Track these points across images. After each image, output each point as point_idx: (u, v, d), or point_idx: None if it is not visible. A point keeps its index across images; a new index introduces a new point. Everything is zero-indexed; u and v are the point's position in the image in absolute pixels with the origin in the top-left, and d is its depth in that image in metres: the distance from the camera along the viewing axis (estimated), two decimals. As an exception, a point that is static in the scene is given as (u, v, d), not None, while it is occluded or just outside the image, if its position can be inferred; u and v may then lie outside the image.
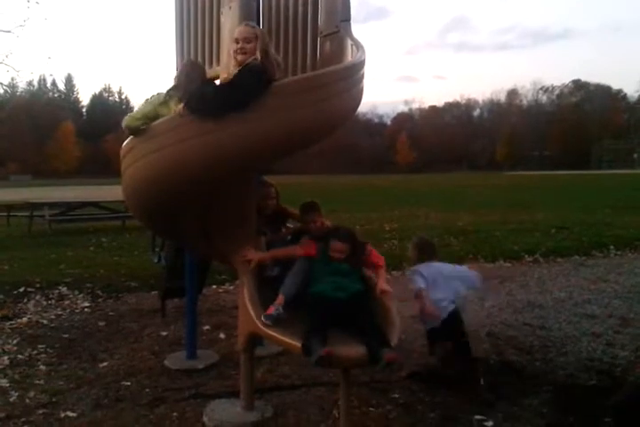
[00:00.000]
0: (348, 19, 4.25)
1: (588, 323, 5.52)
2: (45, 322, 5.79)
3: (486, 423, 3.42)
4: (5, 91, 56.13)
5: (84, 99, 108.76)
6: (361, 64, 3.53)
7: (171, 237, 4.43)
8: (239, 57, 3.28)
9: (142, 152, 3.19)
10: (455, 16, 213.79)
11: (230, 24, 3.91)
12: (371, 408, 3.63)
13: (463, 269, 4.29)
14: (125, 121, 3.39)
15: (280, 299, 3.27)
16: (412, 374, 4.15)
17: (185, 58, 4.73)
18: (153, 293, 6.79)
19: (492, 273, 8.10)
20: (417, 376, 4.11)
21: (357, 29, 3.98)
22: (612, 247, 10.07)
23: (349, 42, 3.92)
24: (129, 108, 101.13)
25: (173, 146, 3.00)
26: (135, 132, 3.31)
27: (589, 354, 4.64)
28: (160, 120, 3.22)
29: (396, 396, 3.81)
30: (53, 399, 3.85)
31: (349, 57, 3.82)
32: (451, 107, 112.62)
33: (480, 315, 5.86)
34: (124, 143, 3.44)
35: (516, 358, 4.57)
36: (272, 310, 3.17)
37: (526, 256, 9.36)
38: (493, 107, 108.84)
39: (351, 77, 3.37)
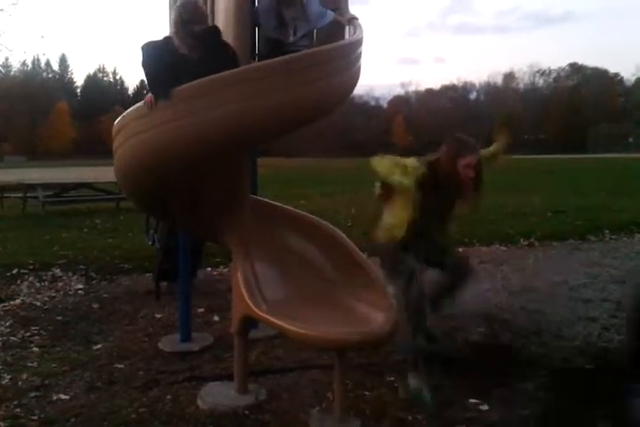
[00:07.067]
0: (345, -3, 4.18)
1: (583, 307, 5.51)
2: (39, 304, 5.75)
3: (481, 407, 3.41)
4: (-1, 71, 55.59)
5: (79, 79, 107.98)
6: (358, 43, 3.47)
7: (163, 218, 4.37)
8: None
9: (135, 130, 3.12)
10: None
11: (224, 2, 3.83)
12: (366, 391, 3.61)
13: None
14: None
15: None
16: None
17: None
18: (147, 275, 6.77)
19: (488, 257, 8.11)
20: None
21: (358, 10, 3.95)
22: (607, 231, 10.05)
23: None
24: (124, 89, 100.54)
25: (165, 124, 2.94)
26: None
27: (585, 338, 4.63)
28: None
29: (392, 379, 3.79)
30: (46, 382, 3.81)
31: (346, 36, 3.76)
32: (447, 90, 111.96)
33: (475, 298, 5.85)
34: (116, 121, 3.37)
35: (511, 341, 4.56)
36: None
37: (522, 240, 9.35)
38: (490, 90, 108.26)
39: (348, 56, 3.31)
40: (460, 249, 8.69)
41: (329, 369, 3.65)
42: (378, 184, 5.17)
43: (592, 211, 12.48)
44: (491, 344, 4.49)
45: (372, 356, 4.09)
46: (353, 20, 3.81)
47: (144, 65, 3.20)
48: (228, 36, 3.50)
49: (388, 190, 3.89)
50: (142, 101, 3.10)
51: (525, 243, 9.24)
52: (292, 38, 3.86)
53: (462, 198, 3.93)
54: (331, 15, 3.94)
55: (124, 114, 3.31)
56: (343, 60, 3.29)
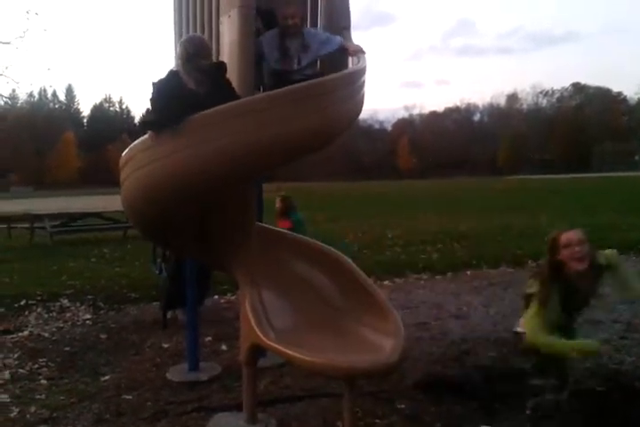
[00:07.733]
0: (347, 26, 4.25)
1: (593, 329, 5.46)
2: (47, 335, 5.75)
3: (493, 433, 3.36)
4: (6, 102, 56.33)
5: (85, 109, 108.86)
6: (362, 71, 3.51)
7: (169, 248, 4.39)
8: None
9: (140, 163, 3.15)
10: (460, 19, 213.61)
11: (229, 33, 3.89)
12: (376, 420, 3.57)
13: None
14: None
15: None
16: (417, 383, 4.09)
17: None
18: (154, 303, 6.76)
19: (496, 279, 8.07)
20: (423, 385, 4.05)
21: (361, 36, 3.99)
22: (616, 251, 9.96)
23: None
24: (130, 118, 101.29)
25: (166, 158, 2.97)
26: None
27: (595, 360, 4.58)
28: None
29: (402, 406, 3.75)
30: (54, 414, 3.79)
31: (350, 64, 3.82)
32: (451, 112, 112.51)
33: (485, 322, 5.82)
34: (123, 153, 3.40)
35: (521, 365, 4.50)
36: None
37: (530, 261, 9.27)
38: (493, 111, 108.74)
39: (352, 85, 3.35)
40: (469, 272, 8.68)
41: (338, 397, 3.62)
42: (278, 199, 5.69)
43: (600, 230, 12.37)
44: (501, 368, 4.44)
45: (382, 383, 4.06)
46: (359, 53, 3.85)
47: (150, 100, 3.23)
48: (233, 68, 3.56)
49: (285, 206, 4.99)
50: (148, 134, 3.14)
51: (534, 264, 9.15)
52: (296, 67, 3.91)
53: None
54: (338, 41, 3.97)
55: (130, 146, 3.34)
56: (348, 89, 3.33)
